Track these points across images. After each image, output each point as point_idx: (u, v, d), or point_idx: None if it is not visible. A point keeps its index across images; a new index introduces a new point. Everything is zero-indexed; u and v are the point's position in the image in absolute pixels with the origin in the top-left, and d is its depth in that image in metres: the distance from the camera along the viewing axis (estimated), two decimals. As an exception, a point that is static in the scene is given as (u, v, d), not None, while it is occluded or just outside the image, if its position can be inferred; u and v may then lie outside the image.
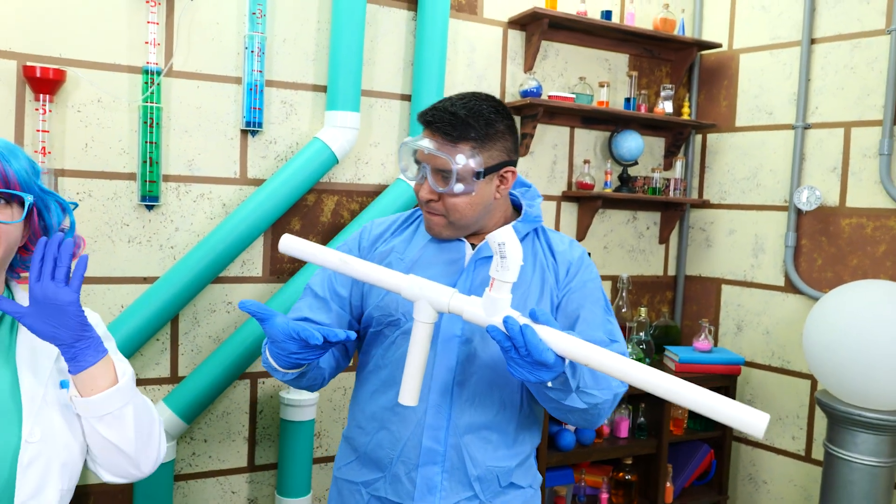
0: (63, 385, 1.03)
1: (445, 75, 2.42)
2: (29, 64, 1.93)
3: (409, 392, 1.16)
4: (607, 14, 2.72)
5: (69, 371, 0.99)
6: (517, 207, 1.42)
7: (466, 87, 2.53)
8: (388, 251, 1.40)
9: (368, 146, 2.41)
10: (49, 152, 1.98)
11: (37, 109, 1.96)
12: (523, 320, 1.09)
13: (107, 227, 2.09)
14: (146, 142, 2.07)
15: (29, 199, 1.01)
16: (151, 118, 2.07)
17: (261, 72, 2.19)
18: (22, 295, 1.09)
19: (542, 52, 2.69)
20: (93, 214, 2.07)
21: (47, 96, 1.96)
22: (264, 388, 2.33)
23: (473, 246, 1.38)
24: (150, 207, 2.12)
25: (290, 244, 1.21)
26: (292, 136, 2.30)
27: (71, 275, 0.96)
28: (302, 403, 2.21)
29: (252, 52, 2.18)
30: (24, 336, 1.04)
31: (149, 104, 2.07)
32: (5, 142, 1.04)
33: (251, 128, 2.21)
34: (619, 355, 1.03)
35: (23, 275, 1.11)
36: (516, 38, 2.64)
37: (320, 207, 2.37)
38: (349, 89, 2.27)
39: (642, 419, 2.72)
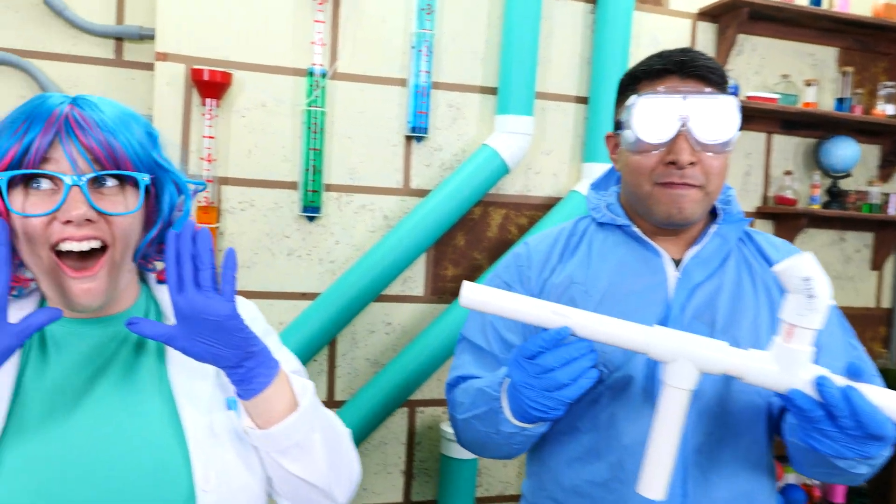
0: (230, 405, 0.84)
1: (628, 74, 2.14)
2: (196, 67, 1.85)
3: (654, 481, 0.86)
4: (817, 1, 2.34)
5: (238, 395, 0.80)
6: None
7: (650, 88, 2.23)
8: (566, 283, 1.11)
9: (540, 154, 2.17)
10: (214, 160, 1.88)
11: (203, 114, 1.87)
12: (841, 380, 0.79)
13: (267, 238, 1.96)
14: (310, 148, 1.93)
15: (145, 179, 0.80)
16: (315, 123, 1.93)
17: (428, 72, 2.01)
18: (163, 295, 0.91)
19: (737, 46, 2.35)
20: (253, 225, 1.95)
21: (214, 101, 1.86)
22: (423, 417, 2.13)
23: (676, 263, 1.09)
24: (311, 219, 1.98)
25: (475, 296, 0.90)
26: (458, 143, 2.10)
27: (220, 278, 0.76)
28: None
29: (420, 51, 2.00)
30: (175, 357, 0.85)
31: (313, 108, 1.93)
32: (118, 108, 0.83)
33: (416, 133, 2.02)
34: None
35: (159, 266, 0.92)
36: (707, 31, 2.32)
37: (486, 221, 2.14)
38: (522, 91, 2.04)
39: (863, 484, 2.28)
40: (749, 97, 2.25)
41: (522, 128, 2.04)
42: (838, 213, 2.34)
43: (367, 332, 2.06)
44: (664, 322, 1.04)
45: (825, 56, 2.48)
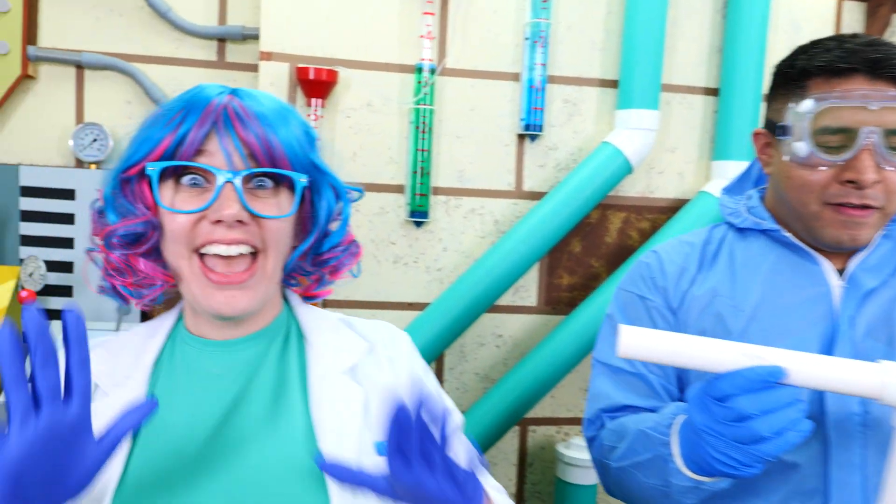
0: (381, 450, 0.73)
1: (764, 62, 1.92)
2: (301, 66, 1.76)
3: None
4: None
5: None
6: None
7: (789, 76, 2.00)
8: (709, 296, 0.96)
9: (664, 152, 1.98)
10: (318, 162, 1.79)
11: (308, 115, 1.78)
12: None
13: (372, 245, 1.86)
14: (417, 149, 1.82)
15: (302, 180, 0.74)
16: (424, 122, 1.81)
17: (543, 65, 1.86)
18: (306, 315, 0.83)
19: (892, 26, 2.08)
20: (358, 231, 1.85)
21: (319, 101, 1.77)
22: (535, 437, 1.98)
23: (839, 272, 0.92)
24: (418, 224, 1.87)
25: (637, 341, 0.75)
26: (575, 141, 1.94)
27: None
28: (586, 463, 1.82)
29: (535, 42, 1.85)
30: (320, 390, 0.75)
31: (422, 106, 1.81)
32: (277, 103, 0.76)
33: (530, 131, 1.87)
34: None
35: (302, 282, 0.85)
36: (854, 11, 2.07)
37: (605, 226, 1.97)
38: (647, 83, 1.86)
39: None
40: (904, 84, 1.99)
41: (647, 123, 1.86)
42: None
43: (477, 345, 1.93)
44: (831, 340, 0.89)
45: None
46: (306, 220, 0.79)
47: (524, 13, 1.87)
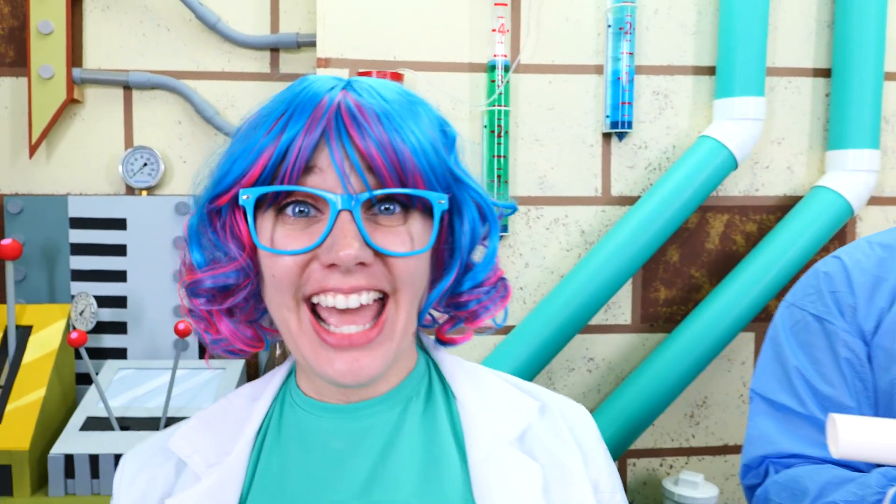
0: None
1: (884, 37, 1.68)
2: (362, 71, 1.60)
3: None
4: None
5: None
6: None
7: (913, 50, 1.76)
8: None
9: (769, 144, 1.75)
10: (385, 176, 1.63)
11: (372, 125, 1.62)
12: None
13: (447, 264, 1.69)
14: (493, 156, 1.63)
15: (441, 202, 0.56)
16: (499, 125, 1.63)
17: (630, 54, 1.65)
18: (445, 357, 0.67)
19: None
20: (431, 250, 1.68)
21: (383, 108, 1.61)
22: (636, 471, 1.77)
23: None
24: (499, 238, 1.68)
25: (857, 437, 0.58)
26: (667, 138, 1.73)
27: None
28: (695, 500, 1.60)
29: (619, 29, 1.65)
30: (482, 453, 0.58)
31: (496, 108, 1.63)
32: (402, 94, 0.58)
33: (618, 129, 1.67)
34: None
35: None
36: (983, -29, 1.81)
37: (705, 230, 1.76)
38: (750, 66, 1.64)
39: None
40: None
41: (752, 112, 1.64)
42: None
43: (566, 370, 1.73)
44: None
45: None
46: (444, 248, 0.61)
47: (605, -2, 1.68)
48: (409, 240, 0.56)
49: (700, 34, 1.72)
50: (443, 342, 0.68)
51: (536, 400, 0.65)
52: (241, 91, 1.76)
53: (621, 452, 1.65)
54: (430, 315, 0.65)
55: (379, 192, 0.54)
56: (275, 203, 0.55)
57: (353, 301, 0.54)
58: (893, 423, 0.59)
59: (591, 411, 1.65)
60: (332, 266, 0.53)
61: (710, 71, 1.72)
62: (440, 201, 0.56)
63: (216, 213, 0.58)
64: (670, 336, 1.66)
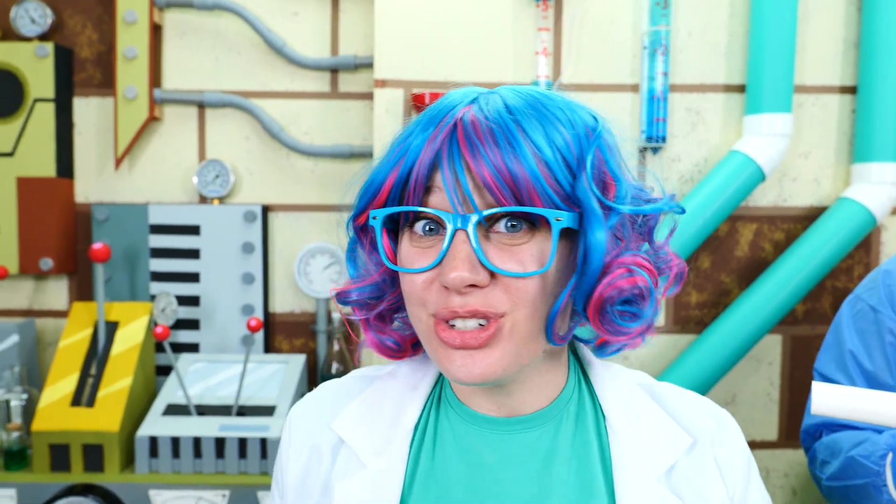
0: None
1: (908, 54, 1.77)
2: (416, 91, 1.75)
3: None
4: None
5: None
6: None
7: (937, 67, 1.84)
8: None
9: (797, 157, 1.86)
10: (436, 188, 1.78)
11: (425, 141, 1.76)
12: None
13: (492, 269, 1.83)
14: (536, 170, 1.77)
15: (558, 220, 0.53)
16: (542, 142, 1.76)
17: (665, 74, 1.77)
18: (599, 373, 0.67)
19: None
20: (477, 255, 1.82)
21: (434, 126, 1.75)
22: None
23: None
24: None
25: (831, 400, 0.72)
26: (700, 152, 1.84)
27: None
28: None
29: (654, 50, 1.77)
30: (630, 486, 0.59)
31: (539, 125, 1.76)
32: (526, 98, 0.56)
33: (653, 143, 1.80)
34: None
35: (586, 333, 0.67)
36: None
37: (735, 238, 1.87)
38: (778, 84, 1.74)
39: None
40: None
41: (780, 128, 1.75)
42: None
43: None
44: None
45: None
46: (575, 263, 0.56)
47: (642, 21, 1.80)
48: (530, 258, 0.53)
49: (731, 54, 1.83)
50: (602, 349, 0.66)
51: (688, 434, 0.63)
52: (303, 109, 1.93)
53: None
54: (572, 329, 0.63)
55: (487, 211, 0.52)
56: (408, 221, 0.56)
57: (472, 324, 0.54)
58: (860, 391, 0.72)
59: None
60: (445, 288, 0.54)
61: (741, 89, 1.83)
62: (557, 219, 0.52)
63: (362, 230, 0.60)
64: (700, 337, 1.78)
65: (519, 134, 0.53)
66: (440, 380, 0.67)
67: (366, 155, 1.90)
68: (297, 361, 1.87)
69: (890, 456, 0.84)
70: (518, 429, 0.61)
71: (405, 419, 0.63)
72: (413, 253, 0.56)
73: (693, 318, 1.87)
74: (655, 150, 1.82)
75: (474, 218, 0.52)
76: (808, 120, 1.85)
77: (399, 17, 1.75)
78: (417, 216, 0.56)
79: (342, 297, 0.63)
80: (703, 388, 1.73)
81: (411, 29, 1.77)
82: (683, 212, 0.63)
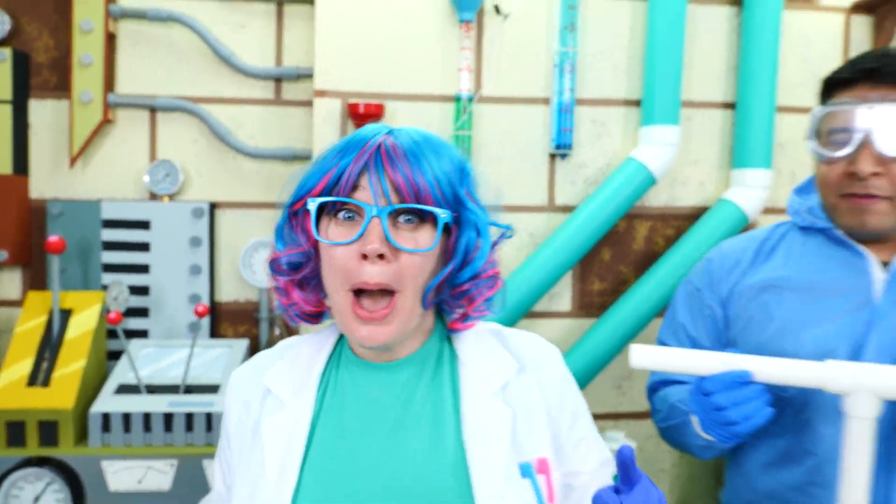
0: (524, 473, 0.79)
1: (776, 77, 2.06)
2: (352, 101, 1.95)
3: None
4: None
5: None
6: None
7: (802, 89, 2.15)
8: (758, 287, 1.11)
9: (686, 164, 2.13)
10: (369, 187, 1.98)
11: (359, 145, 1.97)
12: None
13: (420, 260, 2.04)
14: (458, 172, 1.99)
15: (443, 216, 0.76)
16: (463, 147, 1.99)
17: (572, 90, 2.02)
18: (462, 343, 0.86)
19: (895, 39, 2.21)
20: (407, 248, 2.03)
21: (368, 132, 1.96)
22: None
23: (883, 265, 1.04)
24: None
25: (645, 358, 0.96)
26: (603, 158, 2.10)
27: None
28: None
29: (563, 69, 2.02)
30: (472, 416, 0.80)
31: (461, 133, 1.99)
32: (429, 139, 0.80)
33: (560, 151, 2.04)
34: None
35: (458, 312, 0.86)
36: (861, 25, 2.20)
37: (632, 234, 2.13)
38: (668, 100, 2.01)
39: None
40: (912, 91, 2.12)
41: (669, 138, 2.01)
42: None
43: (518, 349, 2.09)
44: (870, 323, 1.01)
45: None
46: (449, 252, 0.81)
47: (553, 43, 2.04)
48: (416, 242, 0.76)
49: (630, 73, 2.09)
50: (452, 330, 0.87)
51: (517, 361, 0.84)
52: (249, 114, 2.11)
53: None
54: (449, 306, 0.85)
55: (398, 206, 0.75)
56: (333, 211, 0.78)
57: (378, 304, 0.77)
58: (666, 349, 0.96)
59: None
60: (364, 257, 0.75)
61: (637, 103, 2.09)
62: (443, 215, 0.76)
63: (293, 214, 0.81)
64: (600, 320, 2.03)
65: (421, 157, 0.77)
66: (339, 342, 0.89)
67: (306, 157, 2.09)
68: (241, 345, 2.04)
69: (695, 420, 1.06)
70: (395, 370, 0.83)
71: (314, 370, 0.85)
72: (337, 233, 0.78)
73: (595, 304, 2.12)
74: (564, 157, 2.07)
75: (387, 209, 0.75)
76: (695, 131, 2.13)
77: (338, 33, 1.95)
78: (342, 206, 0.77)
79: (273, 262, 0.84)
80: (602, 364, 1.98)
81: (349, 44, 1.97)
82: (511, 232, 0.89)
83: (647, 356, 0.97)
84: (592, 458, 0.87)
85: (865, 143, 0.99)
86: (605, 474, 0.88)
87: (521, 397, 0.83)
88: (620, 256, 2.13)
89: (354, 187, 0.76)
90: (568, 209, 2.08)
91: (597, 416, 2.11)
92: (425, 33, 1.99)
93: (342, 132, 1.99)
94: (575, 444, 0.86)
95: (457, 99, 1.99)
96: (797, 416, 1.05)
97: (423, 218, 0.77)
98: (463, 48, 1.98)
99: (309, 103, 2.09)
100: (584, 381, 1.99)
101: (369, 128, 0.81)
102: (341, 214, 0.78)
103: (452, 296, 0.83)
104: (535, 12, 2.03)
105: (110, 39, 2.04)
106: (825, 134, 1.04)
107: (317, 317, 0.88)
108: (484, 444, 0.78)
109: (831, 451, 0.99)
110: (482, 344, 0.86)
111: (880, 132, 0.98)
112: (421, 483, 0.77)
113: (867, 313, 1.02)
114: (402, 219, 0.77)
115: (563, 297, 2.11)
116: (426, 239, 0.77)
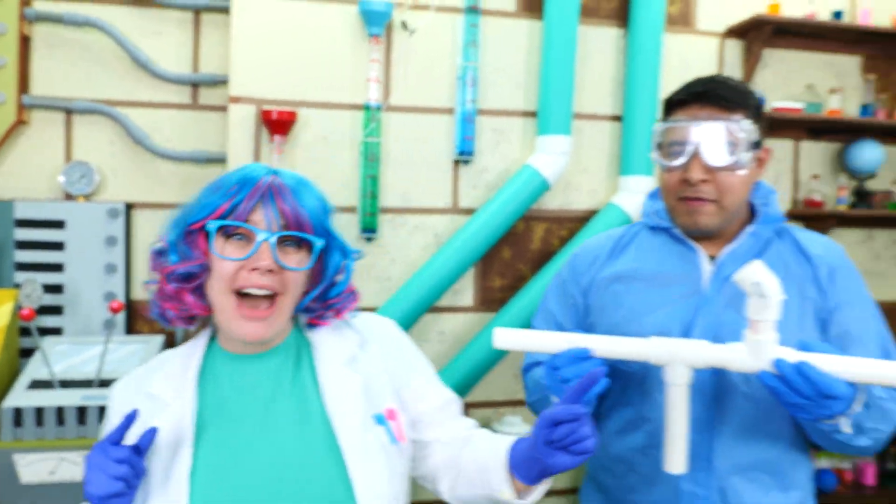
0: (379, 421, 0.97)
1: (658, 93, 2.29)
2: (265, 108, 2.06)
3: (675, 460, 1.05)
4: (838, 14, 2.45)
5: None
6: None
7: (680, 104, 2.38)
8: (611, 278, 1.29)
9: (578, 170, 2.33)
10: (282, 189, 2.09)
11: (272, 150, 2.07)
12: (796, 357, 0.97)
13: (331, 259, 2.16)
14: (366, 176, 2.13)
15: (319, 243, 0.94)
16: (372, 153, 2.12)
17: (473, 101, 2.19)
18: (316, 336, 1.02)
19: (762, 61, 2.48)
20: (318, 247, 2.15)
21: (281, 137, 2.07)
22: (475, 418, 2.29)
23: (710, 258, 1.23)
24: (369, 239, 2.17)
25: (506, 339, 1.11)
26: (503, 164, 2.27)
27: None
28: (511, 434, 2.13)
29: (465, 82, 2.18)
30: (329, 386, 0.98)
31: (370, 140, 2.12)
32: (304, 182, 0.97)
33: (463, 157, 2.20)
34: None
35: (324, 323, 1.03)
36: (734, 48, 2.46)
37: (530, 235, 2.31)
38: (560, 113, 2.20)
39: (893, 465, 2.38)
40: (775, 108, 2.38)
41: (561, 147, 2.20)
42: (865, 212, 2.44)
43: (422, 342, 2.23)
44: (697, 308, 1.19)
45: (848, 64, 2.59)
46: (319, 272, 0.98)
47: (456, 57, 2.20)
48: (298, 262, 0.93)
49: (527, 87, 2.28)
50: (312, 325, 1.04)
51: (359, 335, 1.02)
52: (165, 118, 2.18)
53: (461, 399, 2.16)
54: (314, 308, 1.02)
55: (285, 233, 0.91)
56: (227, 233, 0.92)
57: (262, 292, 0.92)
58: (524, 331, 1.11)
59: (439, 371, 2.17)
60: (254, 269, 0.91)
61: (534, 115, 2.28)
62: (318, 243, 0.93)
63: (189, 233, 0.94)
64: (499, 314, 2.19)
65: (302, 194, 0.94)
66: (209, 345, 1.02)
67: (221, 160, 2.19)
68: (156, 341, 2.11)
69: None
70: (266, 359, 0.99)
71: (190, 371, 0.98)
72: (228, 250, 0.93)
73: (496, 300, 2.29)
74: (466, 163, 2.23)
75: (277, 234, 0.92)
76: (587, 141, 2.33)
77: (252, 42, 2.06)
78: (236, 230, 0.93)
79: (170, 273, 0.97)
80: (501, 355, 2.15)
81: (263, 53, 2.08)
82: (360, 255, 1.06)
83: (507, 338, 1.11)
84: (433, 398, 1.05)
85: (696, 155, 1.17)
86: (451, 410, 1.07)
87: (367, 364, 1.01)
88: (519, 255, 2.30)
89: (249, 216, 0.92)
90: (470, 211, 2.24)
91: (496, 403, 2.31)
92: (336, 45, 2.12)
93: (256, 137, 2.09)
94: (416, 392, 1.04)
95: (366, 108, 2.13)
96: (639, 387, 1.22)
97: (302, 244, 0.95)
98: (372, 60, 2.12)
99: (225, 108, 2.18)
100: (484, 370, 2.16)
101: (257, 167, 0.97)
102: (235, 237, 0.93)
103: (324, 307, 1.01)
104: (440, 29, 2.19)
105: (25, 42, 2.08)
106: (665, 146, 1.22)
107: (193, 319, 1.02)
108: (342, 405, 0.96)
109: (663, 416, 1.17)
110: (333, 328, 1.04)
111: (707, 146, 1.16)
112: (296, 443, 0.93)
113: (696, 300, 1.20)
114: (286, 242, 0.93)
115: (465, 292, 2.27)
116: (304, 260, 0.95)
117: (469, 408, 2.28)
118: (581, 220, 2.33)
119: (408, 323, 2.12)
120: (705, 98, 1.17)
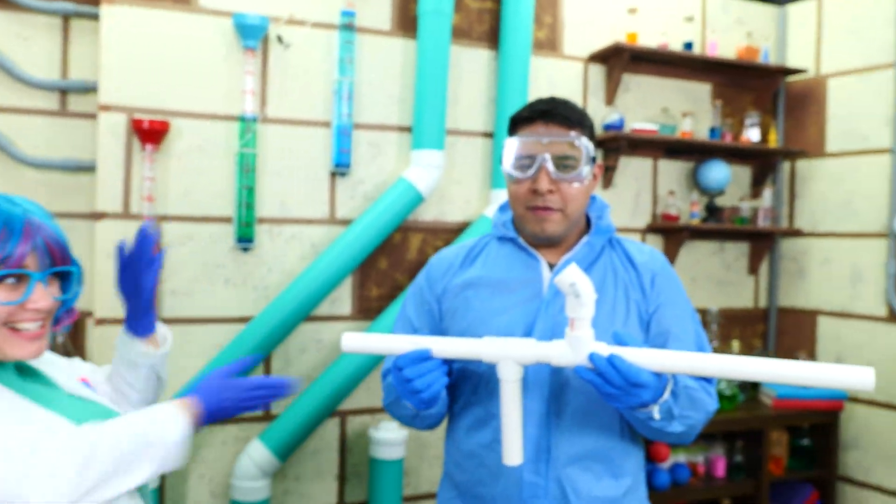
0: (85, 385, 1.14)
1: (527, 112, 2.43)
2: (137, 117, 2.05)
3: (511, 452, 1.15)
4: (689, 45, 2.69)
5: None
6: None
7: (548, 123, 2.53)
8: (463, 285, 1.39)
9: (452, 183, 2.44)
10: (154, 199, 2.08)
11: (143, 159, 2.07)
12: (608, 350, 1.08)
13: (205, 268, 2.17)
14: (242, 186, 2.15)
15: (76, 270, 1.04)
16: (248, 164, 2.15)
17: (349, 115, 2.26)
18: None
19: (623, 85, 2.68)
20: (192, 258, 2.15)
21: (153, 146, 2.07)
22: (353, 425, 2.35)
23: (550, 266, 1.36)
24: (245, 249, 2.20)
25: (354, 343, 1.19)
26: (379, 176, 2.35)
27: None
28: (391, 442, 2.21)
29: (341, 96, 2.25)
30: (59, 378, 1.10)
31: (245, 150, 2.15)
32: (39, 205, 1.02)
33: (340, 169, 2.27)
34: (712, 355, 1.07)
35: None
36: (597, 72, 2.64)
37: (406, 245, 2.40)
38: (434, 128, 2.31)
39: (739, 458, 2.60)
40: (635, 129, 2.57)
41: (435, 161, 2.31)
42: (715, 226, 2.68)
43: (300, 351, 2.27)
44: (538, 311, 1.29)
45: (701, 92, 2.83)
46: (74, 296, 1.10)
47: (332, 73, 2.27)
48: (58, 289, 1.02)
49: (402, 102, 2.37)
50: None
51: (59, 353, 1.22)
52: (31, 124, 2.13)
53: (336, 407, 2.22)
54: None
55: (53, 269, 0.99)
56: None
57: (34, 326, 0.98)
58: (370, 335, 1.19)
59: (317, 379, 2.21)
60: (23, 307, 0.97)
61: (409, 129, 2.37)
62: (75, 270, 1.04)
63: None
64: (375, 322, 2.26)
65: (52, 225, 1.01)
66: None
67: (91, 168, 2.15)
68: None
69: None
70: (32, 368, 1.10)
71: None
72: (4, 295, 0.96)
73: (373, 308, 2.36)
74: (343, 174, 2.30)
75: (47, 272, 0.99)
76: (461, 156, 2.44)
77: (123, 49, 2.05)
78: (8, 274, 0.97)
79: None
80: (376, 361, 2.22)
81: (134, 62, 2.07)
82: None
83: (354, 341, 1.18)
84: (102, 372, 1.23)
85: (542, 167, 1.29)
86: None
87: (71, 367, 1.18)
88: (396, 265, 2.39)
89: (24, 262, 0.96)
90: (347, 222, 2.31)
91: (374, 410, 2.37)
92: (211, 56, 2.14)
93: (127, 146, 2.08)
94: (105, 373, 1.22)
95: (241, 119, 2.16)
96: (486, 387, 1.32)
97: (60, 273, 1.03)
98: (247, 72, 2.15)
99: (95, 116, 2.15)
100: (360, 378, 2.22)
101: (8, 207, 0.97)
102: (9, 280, 0.96)
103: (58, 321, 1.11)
104: (316, 44, 2.25)
105: None
106: (514, 160, 1.33)
107: None
108: (78, 392, 1.10)
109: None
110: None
111: (553, 159, 1.29)
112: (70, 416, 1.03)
113: (537, 303, 1.32)
114: (54, 279, 1.02)
115: (344, 301, 2.33)
116: (56, 288, 1.04)
117: (347, 415, 2.34)
118: (455, 231, 2.44)
119: (285, 332, 2.16)
120: (549, 116, 1.29)
